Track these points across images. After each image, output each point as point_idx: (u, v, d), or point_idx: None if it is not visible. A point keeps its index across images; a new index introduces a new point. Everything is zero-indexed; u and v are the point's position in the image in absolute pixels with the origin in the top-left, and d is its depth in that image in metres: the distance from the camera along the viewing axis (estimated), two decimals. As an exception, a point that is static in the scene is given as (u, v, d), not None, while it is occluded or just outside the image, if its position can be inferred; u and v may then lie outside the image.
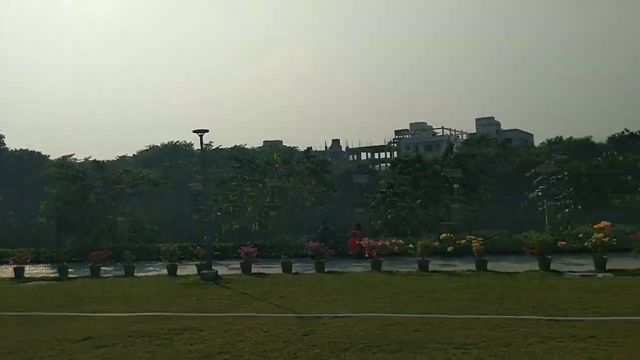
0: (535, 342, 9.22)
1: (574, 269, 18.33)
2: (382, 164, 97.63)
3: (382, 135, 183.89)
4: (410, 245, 22.30)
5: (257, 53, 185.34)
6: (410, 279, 18.06)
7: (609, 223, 22.25)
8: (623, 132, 75.75)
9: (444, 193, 34.61)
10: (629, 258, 18.78)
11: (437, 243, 22.06)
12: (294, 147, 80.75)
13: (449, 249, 22.55)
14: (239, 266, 22.18)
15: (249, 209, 35.86)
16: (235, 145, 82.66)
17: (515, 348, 8.94)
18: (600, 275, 16.96)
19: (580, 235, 22.83)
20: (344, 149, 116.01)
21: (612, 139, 73.32)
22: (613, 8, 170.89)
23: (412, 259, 21.41)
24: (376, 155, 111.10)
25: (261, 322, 11.96)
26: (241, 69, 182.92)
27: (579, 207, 37.43)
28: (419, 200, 35.30)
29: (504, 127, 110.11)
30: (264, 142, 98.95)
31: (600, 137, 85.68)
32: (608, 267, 17.82)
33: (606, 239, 18.66)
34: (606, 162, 41.06)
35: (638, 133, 74.13)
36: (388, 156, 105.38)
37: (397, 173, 39.81)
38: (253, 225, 34.71)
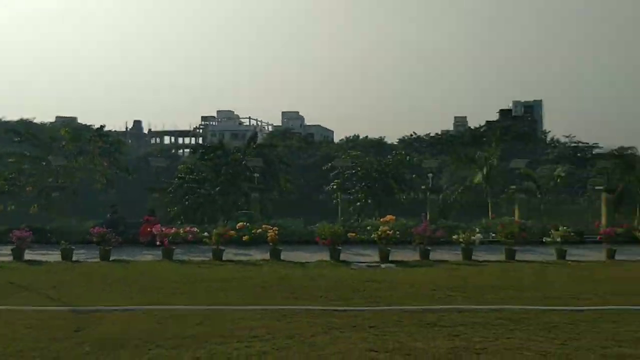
0: (319, 333, 9.18)
1: (361, 260, 19.18)
2: (186, 150, 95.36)
3: (189, 120, 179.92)
4: (206, 233, 21.64)
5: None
6: (202, 268, 17.46)
7: (393, 217, 23.97)
8: (411, 134, 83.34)
9: (244, 181, 34.66)
10: (409, 250, 20.15)
11: (233, 231, 21.74)
12: (90, 125, 75.08)
13: (245, 237, 22.39)
14: (10, 252, 19.72)
15: (27, 189, 32.71)
16: (22, 119, 74.72)
17: (299, 339, 8.79)
18: (383, 265, 17.93)
19: (368, 228, 24.13)
20: (145, 131, 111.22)
21: (402, 140, 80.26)
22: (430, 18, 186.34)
23: (207, 247, 20.77)
24: (180, 140, 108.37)
25: (26, 315, 10.63)
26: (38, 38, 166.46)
27: (369, 201, 39.87)
28: (218, 188, 34.89)
29: (307, 122, 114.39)
30: (57, 117, 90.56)
31: (392, 138, 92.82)
32: (391, 258, 18.92)
33: (390, 232, 19.89)
34: (395, 161, 44.23)
35: (424, 136, 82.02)
36: (193, 142, 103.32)
37: (198, 159, 39.05)
38: (32, 207, 31.54)
